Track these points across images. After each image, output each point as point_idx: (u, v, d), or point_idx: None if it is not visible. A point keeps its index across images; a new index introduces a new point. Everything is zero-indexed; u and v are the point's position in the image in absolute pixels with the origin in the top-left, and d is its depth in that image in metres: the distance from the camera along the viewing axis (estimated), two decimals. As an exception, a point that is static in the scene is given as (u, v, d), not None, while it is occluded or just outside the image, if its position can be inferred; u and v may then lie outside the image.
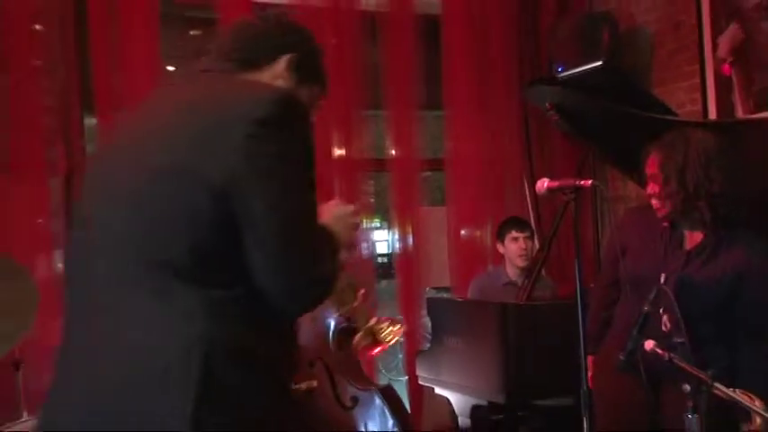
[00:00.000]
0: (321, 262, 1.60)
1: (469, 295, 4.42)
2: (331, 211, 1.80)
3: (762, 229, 2.94)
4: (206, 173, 1.52)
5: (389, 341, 1.94)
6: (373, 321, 1.96)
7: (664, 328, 2.67)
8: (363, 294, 1.97)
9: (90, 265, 1.64)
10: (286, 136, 1.57)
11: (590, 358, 3.01)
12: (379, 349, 1.96)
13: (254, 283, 1.54)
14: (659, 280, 2.67)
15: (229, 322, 1.55)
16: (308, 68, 1.82)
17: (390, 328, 1.96)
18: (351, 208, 1.85)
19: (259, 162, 1.53)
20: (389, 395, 3.86)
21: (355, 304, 1.96)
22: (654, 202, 2.79)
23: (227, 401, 1.53)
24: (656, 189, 2.76)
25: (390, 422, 3.76)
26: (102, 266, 1.61)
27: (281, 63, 1.79)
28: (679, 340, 2.57)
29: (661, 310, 2.64)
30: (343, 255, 1.75)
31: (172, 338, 1.52)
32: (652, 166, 2.80)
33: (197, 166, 1.54)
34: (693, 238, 2.81)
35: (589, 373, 2.97)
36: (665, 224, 2.82)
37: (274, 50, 1.80)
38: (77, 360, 1.64)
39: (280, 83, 1.78)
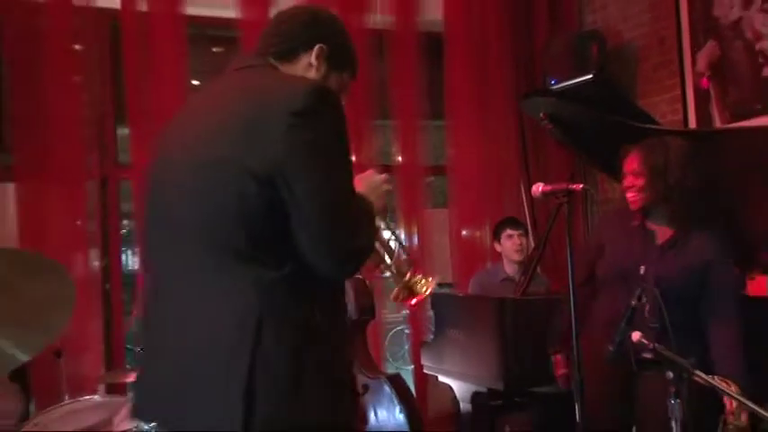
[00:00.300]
0: (359, 234, 1.65)
1: (470, 291, 4.42)
2: (365, 181, 1.83)
3: (731, 226, 2.99)
4: (250, 164, 1.56)
5: (425, 292, 1.94)
6: (408, 276, 1.97)
7: (646, 315, 2.72)
8: (398, 253, 2.00)
9: (161, 255, 1.72)
10: (321, 124, 1.60)
11: (558, 357, 3.05)
12: (415, 300, 1.96)
13: (304, 260, 1.58)
14: (639, 272, 2.71)
15: (281, 301, 1.58)
16: (338, 56, 1.84)
17: (424, 280, 1.96)
18: (383, 177, 1.89)
19: (298, 150, 1.56)
20: (397, 383, 3.88)
21: (389, 262, 1.99)
22: (630, 194, 2.81)
23: (275, 386, 1.54)
24: (636, 182, 2.78)
25: (397, 408, 3.77)
26: (171, 255, 1.67)
27: (313, 53, 1.81)
28: (653, 325, 2.64)
29: (644, 300, 2.67)
30: (379, 219, 1.83)
31: (226, 321, 1.57)
32: (633, 162, 2.83)
33: (242, 158, 1.57)
34: (664, 233, 2.83)
35: (562, 371, 3.02)
36: (636, 222, 2.83)
37: (306, 42, 1.82)
38: (149, 347, 1.74)
39: (312, 72, 1.81)
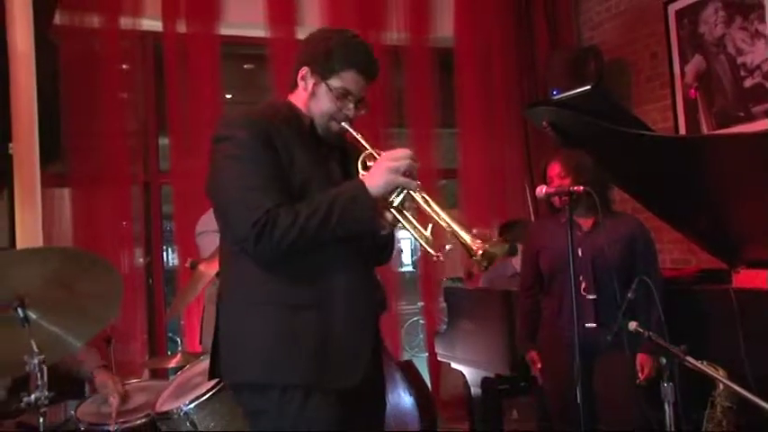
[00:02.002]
0: (247, 217, 1.73)
1: (481, 285, 4.43)
2: (375, 164, 1.84)
3: (718, 224, 3.05)
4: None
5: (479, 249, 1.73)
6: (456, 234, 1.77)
7: (583, 293, 2.85)
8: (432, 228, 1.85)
9: None
10: (220, 145, 1.82)
11: (534, 353, 3.12)
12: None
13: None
14: (578, 254, 2.86)
15: (236, 283, 1.86)
16: (323, 67, 1.87)
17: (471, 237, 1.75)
18: (386, 155, 1.83)
19: (211, 164, 1.84)
20: (408, 369, 3.87)
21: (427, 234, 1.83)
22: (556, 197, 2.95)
23: (226, 348, 1.87)
24: (563, 183, 2.92)
25: (408, 392, 3.76)
26: None
27: (299, 78, 1.91)
28: (591, 297, 2.86)
29: (581, 278, 2.86)
30: (386, 191, 1.79)
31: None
32: (556, 167, 3.02)
33: None
34: (587, 222, 3.00)
35: (538, 365, 3.10)
36: (564, 219, 2.87)
37: (296, 70, 1.92)
38: None
39: (303, 93, 1.91)
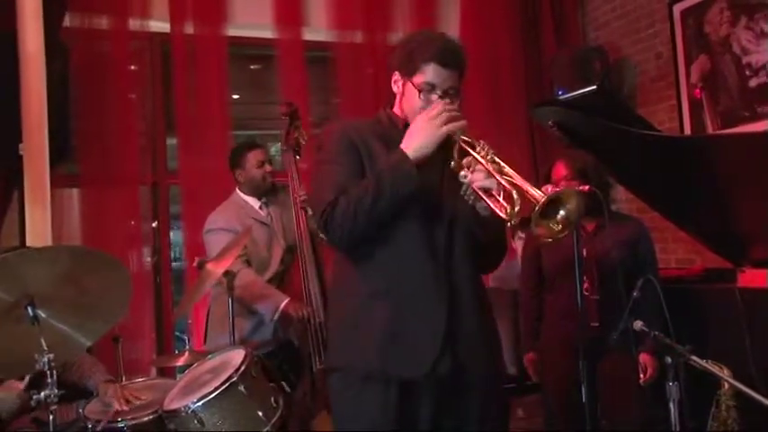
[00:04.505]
0: (317, 210, 1.92)
1: (490, 284, 4.40)
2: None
3: (724, 224, 3.06)
4: None
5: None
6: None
7: (586, 293, 2.85)
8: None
9: None
10: (317, 150, 2.04)
11: (532, 356, 3.17)
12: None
13: None
14: (582, 255, 2.86)
15: (334, 278, 2.10)
16: (407, 68, 1.96)
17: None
18: (423, 113, 1.87)
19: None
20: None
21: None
22: None
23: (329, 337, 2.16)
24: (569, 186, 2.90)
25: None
26: None
27: (392, 84, 2.02)
28: (594, 297, 2.88)
29: (585, 277, 2.85)
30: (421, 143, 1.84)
31: None
32: (561, 170, 3.03)
33: None
34: (590, 225, 3.03)
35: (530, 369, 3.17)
36: None
37: (390, 79, 2.03)
38: None
39: (398, 97, 2.02)
